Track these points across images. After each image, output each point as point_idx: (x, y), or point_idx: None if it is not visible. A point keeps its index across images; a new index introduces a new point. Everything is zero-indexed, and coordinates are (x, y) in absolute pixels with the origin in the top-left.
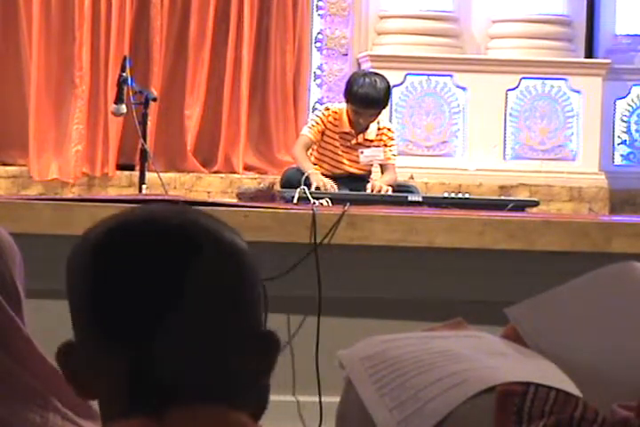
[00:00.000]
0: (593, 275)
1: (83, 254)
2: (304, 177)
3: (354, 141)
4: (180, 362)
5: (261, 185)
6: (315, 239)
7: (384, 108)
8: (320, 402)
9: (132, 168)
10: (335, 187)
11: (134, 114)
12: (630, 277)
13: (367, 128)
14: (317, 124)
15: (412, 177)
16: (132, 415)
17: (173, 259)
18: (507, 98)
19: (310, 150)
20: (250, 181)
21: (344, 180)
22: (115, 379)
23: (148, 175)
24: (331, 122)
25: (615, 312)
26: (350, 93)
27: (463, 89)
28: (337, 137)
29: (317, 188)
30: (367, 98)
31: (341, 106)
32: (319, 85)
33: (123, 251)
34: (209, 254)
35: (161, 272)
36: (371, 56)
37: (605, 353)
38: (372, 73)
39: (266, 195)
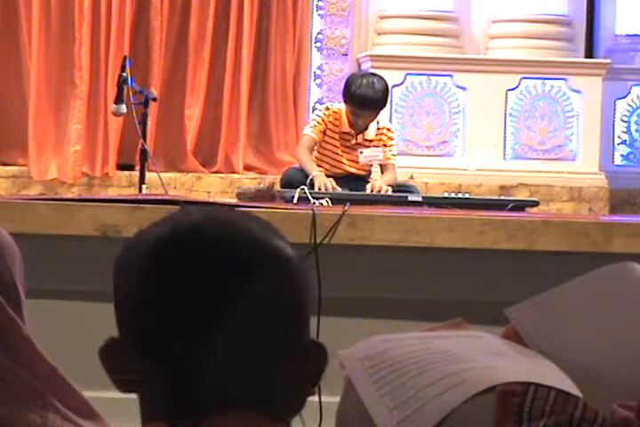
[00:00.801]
0: (592, 275)
1: (129, 264)
2: (309, 179)
3: (353, 141)
4: (223, 377)
5: (261, 185)
6: (315, 239)
7: (382, 109)
8: (320, 402)
9: (132, 168)
10: (338, 189)
11: (134, 114)
12: (629, 277)
13: (367, 128)
14: (319, 123)
15: (412, 177)
16: (163, 421)
17: (221, 273)
18: (507, 98)
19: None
20: (250, 181)
21: (344, 180)
22: (152, 386)
23: (148, 175)
24: (331, 122)
25: (614, 312)
26: (348, 94)
27: (463, 89)
28: (337, 137)
29: (319, 188)
30: (365, 99)
31: (341, 106)
32: (319, 85)
33: (170, 265)
34: (259, 268)
35: (208, 287)
36: (371, 56)
37: (605, 353)
38: (370, 74)
39: (266, 195)
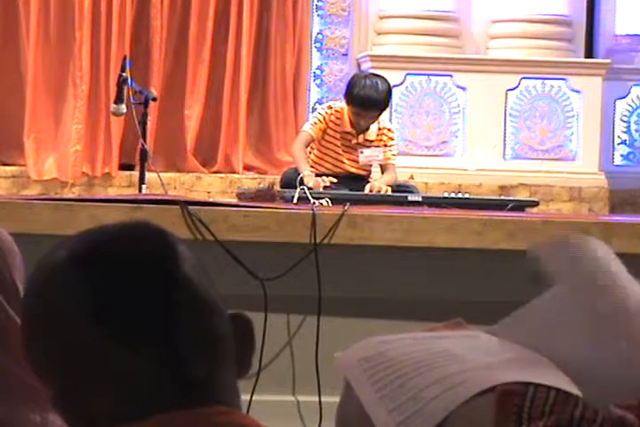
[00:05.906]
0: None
1: (66, 280)
2: (298, 178)
3: (354, 141)
4: (195, 357)
5: (261, 185)
6: (315, 239)
7: (385, 109)
8: (320, 402)
9: (132, 168)
10: (331, 180)
11: (134, 114)
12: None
13: (368, 128)
14: (320, 121)
15: (412, 177)
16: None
17: (161, 261)
18: (507, 98)
19: (310, 148)
20: (250, 181)
21: (344, 179)
22: (143, 375)
23: (148, 175)
24: (333, 121)
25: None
26: (351, 95)
27: (463, 89)
28: (338, 136)
29: (317, 187)
30: (369, 100)
31: (344, 105)
32: (319, 85)
33: (114, 264)
34: (183, 257)
35: (152, 280)
36: (371, 56)
37: (600, 352)
38: (372, 75)
39: (266, 195)
